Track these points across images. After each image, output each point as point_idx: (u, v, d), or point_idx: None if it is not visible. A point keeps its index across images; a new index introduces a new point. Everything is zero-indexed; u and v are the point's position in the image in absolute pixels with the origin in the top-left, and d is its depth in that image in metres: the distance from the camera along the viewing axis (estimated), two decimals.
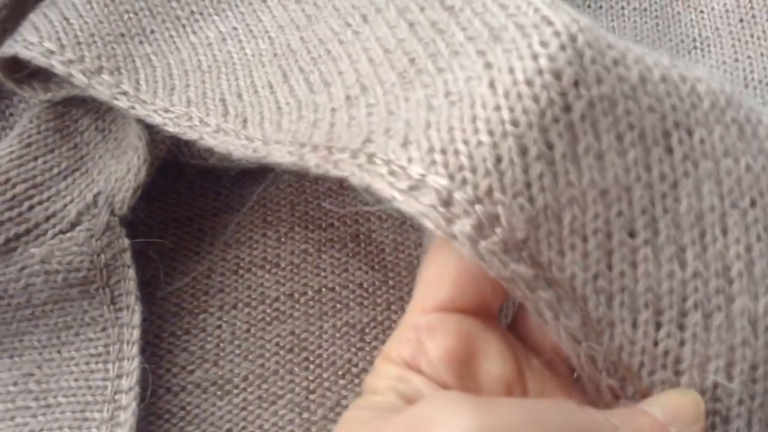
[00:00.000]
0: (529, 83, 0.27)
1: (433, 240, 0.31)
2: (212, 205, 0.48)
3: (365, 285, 0.46)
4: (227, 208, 0.48)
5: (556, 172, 0.27)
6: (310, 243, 0.47)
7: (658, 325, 0.27)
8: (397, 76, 0.33)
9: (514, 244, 0.26)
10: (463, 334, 0.29)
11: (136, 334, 0.41)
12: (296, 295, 0.46)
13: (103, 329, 0.42)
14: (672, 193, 0.27)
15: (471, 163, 0.27)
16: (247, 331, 0.45)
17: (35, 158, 0.43)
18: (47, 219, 0.42)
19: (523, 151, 0.27)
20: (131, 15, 0.43)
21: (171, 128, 0.38)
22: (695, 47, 0.56)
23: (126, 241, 0.42)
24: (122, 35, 0.43)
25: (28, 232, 0.41)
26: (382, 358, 0.30)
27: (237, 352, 0.44)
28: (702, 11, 0.57)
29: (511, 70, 0.27)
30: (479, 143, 0.27)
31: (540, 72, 0.27)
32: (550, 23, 0.27)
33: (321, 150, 0.31)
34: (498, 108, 0.27)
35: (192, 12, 0.44)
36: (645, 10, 0.58)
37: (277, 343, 0.44)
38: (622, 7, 0.58)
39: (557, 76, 0.27)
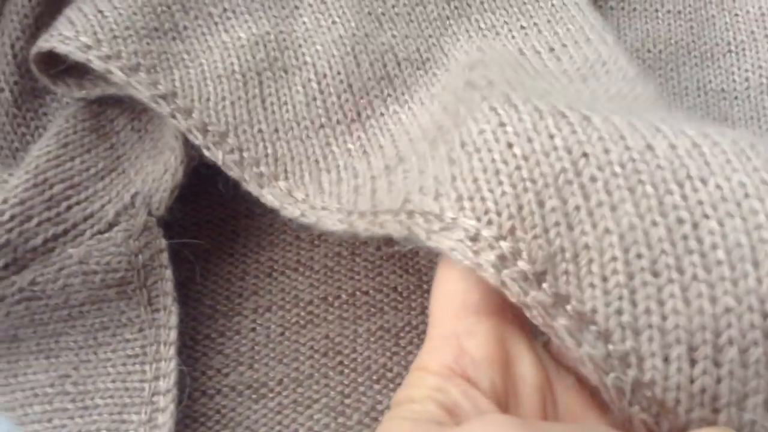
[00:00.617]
0: (546, 154, 0.30)
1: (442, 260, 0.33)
2: (245, 206, 0.48)
3: (399, 289, 0.46)
4: (261, 209, 0.47)
5: (570, 222, 0.30)
6: (344, 246, 0.47)
7: (693, 362, 0.27)
8: (428, 144, 0.36)
9: (535, 274, 0.29)
10: (499, 338, 0.30)
11: (174, 335, 0.41)
12: (330, 299, 0.46)
13: (140, 330, 0.41)
14: (693, 234, 0.28)
15: (496, 208, 0.30)
16: (282, 334, 0.45)
17: (72, 158, 0.43)
18: (85, 219, 0.42)
19: (541, 204, 0.30)
20: (164, 8, 0.43)
21: (213, 157, 0.39)
22: (730, 51, 0.56)
23: (164, 242, 0.42)
24: (156, 29, 0.42)
25: (66, 232, 0.41)
26: (418, 369, 0.30)
27: (271, 355, 0.44)
28: (737, 14, 0.57)
29: (530, 140, 0.31)
30: (503, 193, 0.30)
31: (555, 148, 0.30)
32: (563, 116, 0.31)
33: (367, 216, 0.35)
34: (519, 168, 0.30)
35: (224, 9, 0.44)
36: (679, 12, 0.57)
37: (312, 347, 0.44)
38: (656, 10, 0.57)
39: (568, 151, 0.30)
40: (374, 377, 0.44)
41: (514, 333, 0.30)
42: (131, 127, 0.45)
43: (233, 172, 0.39)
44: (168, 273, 0.42)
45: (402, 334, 0.45)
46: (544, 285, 0.29)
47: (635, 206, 0.29)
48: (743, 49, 0.55)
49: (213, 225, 0.47)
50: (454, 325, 0.30)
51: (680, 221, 0.28)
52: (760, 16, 0.56)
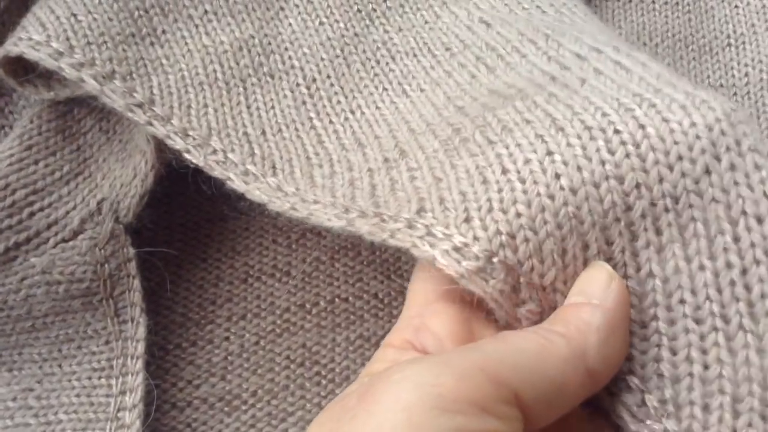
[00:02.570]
0: (596, 185, 0.28)
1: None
2: (220, 209, 0.46)
3: (380, 296, 0.44)
4: (236, 212, 0.46)
5: (615, 264, 0.28)
6: (323, 250, 0.45)
7: (737, 413, 0.26)
8: (440, 144, 0.34)
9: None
10: (465, 320, 0.29)
11: (141, 348, 0.40)
12: (308, 306, 0.44)
13: (107, 342, 0.40)
14: (741, 281, 0.27)
15: (540, 254, 0.28)
16: (256, 343, 0.43)
17: (36, 162, 0.41)
18: (48, 227, 0.40)
19: (585, 247, 0.29)
20: (142, 12, 0.41)
21: (195, 159, 0.37)
22: (729, 44, 0.54)
23: (131, 251, 0.41)
24: (132, 35, 0.40)
25: (28, 240, 0.40)
26: (383, 346, 0.30)
27: (245, 365, 0.43)
28: (737, 6, 0.55)
29: (579, 169, 0.28)
30: (547, 235, 0.28)
31: (606, 177, 0.28)
32: (617, 131, 0.29)
33: (371, 217, 0.32)
34: (566, 204, 0.28)
35: (206, 11, 0.42)
36: (677, 4, 0.55)
37: (288, 357, 0.43)
38: (653, 1, 0.55)
39: (620, 180, 0.28)
40: None
41: (480, 318, 0.30)
42: (99, 128, 0.43)
43: (216, 173, 0.37)
44: (136, 283, 0.40)
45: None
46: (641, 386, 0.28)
47: (684, 248, 0.28)
48: (743, 43, 0.53)
49: (185, 229, 0.45)
50: (421, 309, 0.30)
51: (729, 266, 0.27)
52: (761, 9, 0.54)
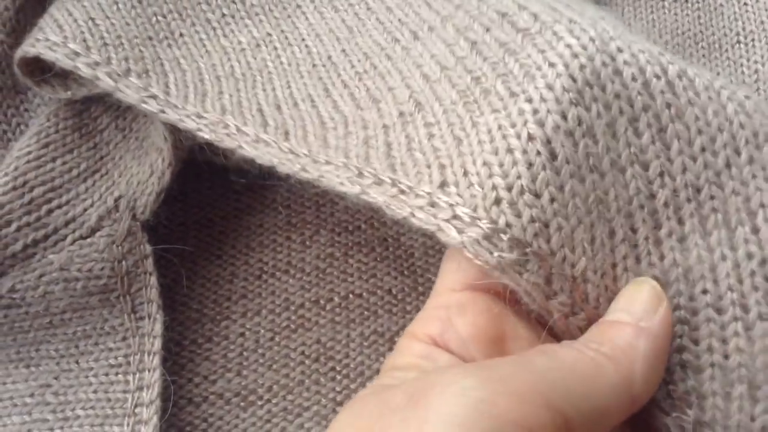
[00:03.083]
0: (622, 170, 0.28)
1: None
2: (234, 206, 0.46)
3: (394, 291, 0.44)
4: (250, 209, 0.46)
5: (639, 253, 0.28)
6: (337, 247, 0.45)
7: (755, 400, 0.27)
8: (458, 94, 0.32)
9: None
10: (494, 314, 0.28)
11: (158, 344, 0.40)
12: (322, 302, 0.44)
13: (124, 339, 0.40)
14: (761, 271, 0.27)
15: (570, 241, 0.28)
16: (272, 339, 0.43)
17: (53, 159, 0.42)
18: (66, 224, 0.40)
19: (612, 233, 0.28)
20: (159, 18, 0.41)
21: (206, 134, 0.36)
22: (738, 42, 0.54)
23: (148, 248, 0.41)
24: (150, 38, 0.41)
25: (46, 237, 0.40)
26: (407, 336, 0.29)
27: (261, 361, 0.43)
28: (746, 3, 0.55)
29: (608, 149, 0.28)
30: (578, 222, 0.28)
31: (632, 161, 0.28)
32: (645, 108, 0.28)
33: (389, 186, 0.30)
34: (594, 186, 0.28)
35: (223, 15, 0.42)
36: (686, 1, 0.55)
37: (303, 352, 0.43)
38: None
39: (645, 166, 0.28)
40: (367, 383, 0.42)
41: (512, 311, 0.29)
42: (115, 126, 0.44)
43: (226, 143, 0.36)
44: (153, 280, 0.41)
45: (397, 339, 0.43)
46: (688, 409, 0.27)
47: (705, 238, 0.28)
48: (752, 40, 0.54)
49: (200, 226, 0.46)
50: (448, 298, 0.29)
51: (749, 257, 0.28)
52: None
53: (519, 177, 0.28)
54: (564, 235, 0.28)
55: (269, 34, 0.41)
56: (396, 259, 0.45)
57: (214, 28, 0.42)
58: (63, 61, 0.38)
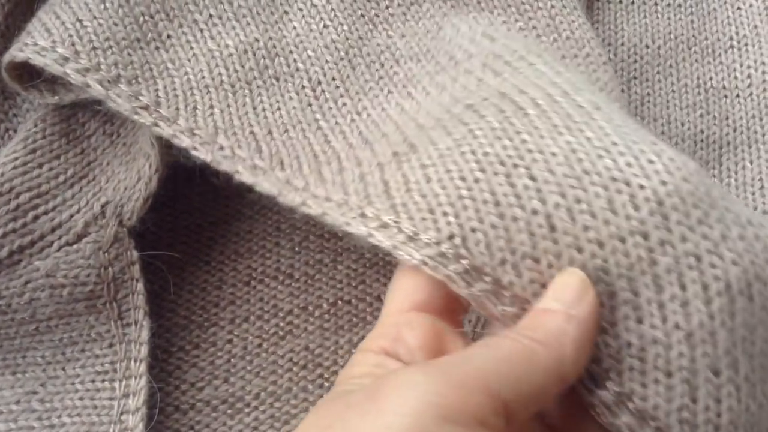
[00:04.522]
0: (622, 240, 0.29)
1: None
2: (223, 212, 0.46)
3: (383, 298, 0.44)
4: (239, 215, 0.46)
5: (642, 315, 0.29)
6: (326, 253, 0.45)
7: (668, 373, 0.29)
8: (453, 142, 0.33)
9: (598, 373, 0.29)
10: (437, 330, 0.31)
11: (144, 350, 0.40)
12: (311, 308, 0.44)
13: (110, 345, 0.40)
14: (750, 337, 0.29)
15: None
16: (260, 345, 0.43)
17: (40, 165, 0.41)
18: (53, 230, 0.40)
19: (612, 295, 0.29)
20: (147, 18, 0.41)
21: (202, 155, 0.37)
22: (732, 46, 0.54)
23: (135, 254, 0.41)
24: (138, 40, 0.40)
25: (32, 244, 0.40)
26: (361, 350, 0.31)
27: (248, 368, 0.43)
28: (740, 8, 0.55)
29: (606, 222, 0.30)
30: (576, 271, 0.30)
31: (632, 233, 0.29)
32: (641, 186, 0.30)
33: (394, 231, 0.32)
34: (593, 256, 0.30)
35: (210, 16, 0.42)
36: (679, 6, 0.55)
37: (291, 359, 0.43)
38: (656, 3, 0.55)
39: (645, 237, 0.29)
40: None
41: (451, 329, 0.32)
42: (103, 131, 0.44)
43: (224, 166, 0.36)
44: (139, 286, 0.40)
45: None
46: (608, 383, 0.29)
47: (707, 304, 0.29)
48: (746, 45, 0.53)
49: (189, 231, 0.45)
50: (398, 317, 0.31)
51: (744, 324, 0.29)
52: (764, 10, 0.54)
53: (522, 244, 0.30)
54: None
55: (257, 40, 0.41)
56: (385, 266, 0.45)
57: (201, 30, 0.41)
58: (52, 67, 0.38)
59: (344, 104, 0.40)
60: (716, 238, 0.30)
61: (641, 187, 0.30)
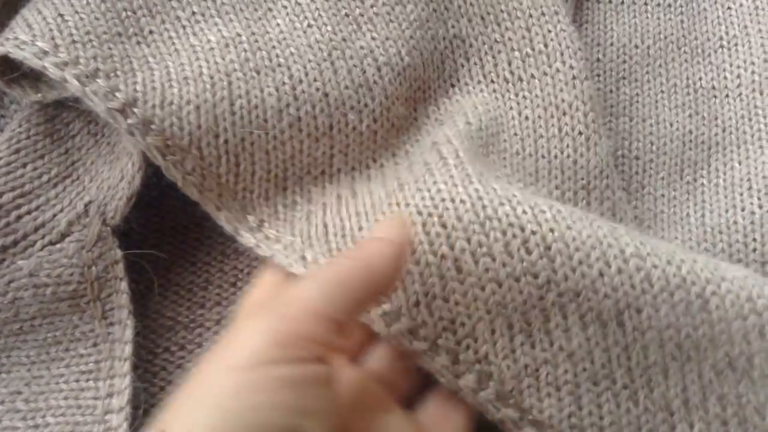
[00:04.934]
0: (517, 279, 0.35)
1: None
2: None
3: None
4: None
5: (534, 341, 0.35)
6: None
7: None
8: (384, 193, 0.39)
9: (503, 394, 0.35)
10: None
11: (128, 350, 0.39)
12: None
13: (94, 345, 0.40)
14: (624, 354, 0.35)
15: (473, 335, 0.35)
16: None
17: (24, 165, 0.41)
18: (36, 230, 0.40)
19: (510, 326, 0.35)
20: (129, 13, 0.41)
21: (169, 176, 0.39)
22: (722, 46, 0.53)
23: (118, 253, 0.40)
24: (119, 35, 0.40)
25: (15, 243, 0.40)
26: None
27: None
28: (730, 8, 0.54)
29: (504, 264, 0.35)
30: (480, 318, 0.35)
31: (524, 273, 0.35)
32: (533, 232, 0.35)
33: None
34: (494, 293, 0.35)
35: (193, 13, 0.42)
36: (669, 6, 0.55)
37: None
38: (645, 3, 0.55)
39: (535, 276, 0.35)
40: None
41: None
42: (87, 131, 0.43)
43: (192, 195, 0.39)
44: (123, 285, 0.40)
45: None
46: (511, 401, 0.35)
47: (584, 330, 0.35)
48: (735, 45, 0.53)
49: (175, 232, 0.45)
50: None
51: (617, 344, 0.35)
52: (754, 10, 0.54)
53: (433, 286, 0.35)
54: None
55: (239, 35, 0.41)
56: None
57: (183, 27, 0.41)
58: (31, 60, 0.38)
59: (321, 111, 0.40)
60: (594, 276, 0.35)
61: (533, 232, 0.35)
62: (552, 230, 0.35)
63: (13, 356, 0.40)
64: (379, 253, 0.33)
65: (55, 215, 0.41)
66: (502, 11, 0.45)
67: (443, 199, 0.36)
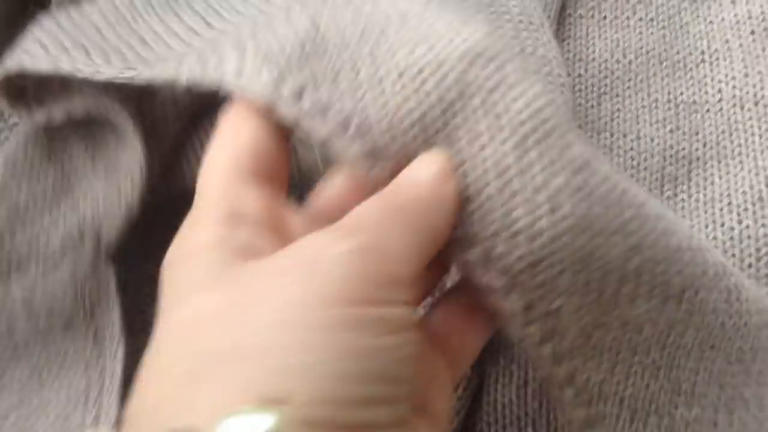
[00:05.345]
0: (613, 234, 0.33)
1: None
2: None
3: None
4: None
5: (601, 303, 0.33)
6: None
7: (632, 420, 0.35)
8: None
9: (559, 355, 0.33)
10: (274, 206, 0.32)
11: (119, 370, 0.40)
12: None
13: (85, 367, 0.41)
14: (666, 331, 0.35)
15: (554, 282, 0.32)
16: None
17: (19, 186, 0.42)
18: (30, 255, 0.41)
19: (587, 283, 0.32)
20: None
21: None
22: (703, 61, 0.54)
23: (112, 276, 0.41)
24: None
25: (9, 270, 0.40)
26: (193, 252, 0.31)
27: None
28: (711, 22, 0.55)
29: (605, 214, 0.32)
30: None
31: (618, 230, 0.33)
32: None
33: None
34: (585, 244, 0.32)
35: None
36: (651, 20, 0.56)
37: None
38: (627, 18, 0.56)
39: (627, 235, 0.33)
40: None
41: (279, 201, 0.32)
42: (85, 151, 0.44)
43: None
44: (115, 306, 0.41)
45: None
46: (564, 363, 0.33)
47: (648, 301, 0.34)
48: (717, 59, 0.54)
49: (166, 247, 0.46)
50: (226, 192, 0.31)
51: (667, 320, 0.35)
52: (735, 25, 0.55)
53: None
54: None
55: None
56: None
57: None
58: (62, 63, 0.38)
59: None
60: (674, 248, 0.34)
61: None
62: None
63: (6, 379, 0.41)
64: (425, 198, 0.30)
65: (49, 239, 0.41)
66: (491, 13, 0.45)
67: None
